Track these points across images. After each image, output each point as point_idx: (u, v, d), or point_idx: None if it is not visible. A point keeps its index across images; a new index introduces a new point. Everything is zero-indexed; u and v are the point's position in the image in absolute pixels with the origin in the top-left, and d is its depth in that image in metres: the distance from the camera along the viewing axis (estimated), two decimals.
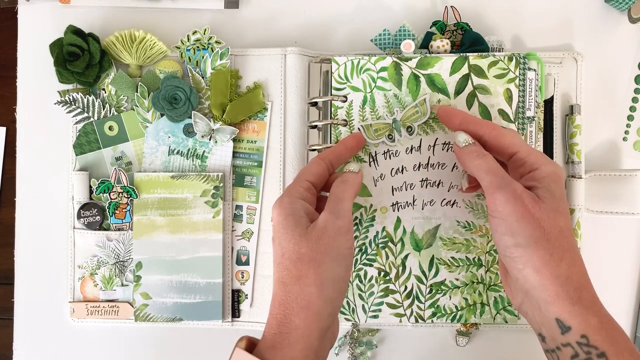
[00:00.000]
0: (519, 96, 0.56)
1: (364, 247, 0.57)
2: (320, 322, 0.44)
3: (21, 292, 0.61)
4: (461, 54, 0.56)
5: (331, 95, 0.58)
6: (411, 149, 0.57)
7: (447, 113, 0.51)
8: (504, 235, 0.43)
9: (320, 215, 0.46)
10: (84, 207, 0.59)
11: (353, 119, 0.57)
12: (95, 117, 0.59)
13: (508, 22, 0.61)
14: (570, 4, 0.61)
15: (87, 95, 0.59)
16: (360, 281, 0.57)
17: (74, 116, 0.60)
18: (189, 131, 0.59)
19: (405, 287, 0.57)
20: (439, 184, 0.57)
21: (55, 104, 0.60)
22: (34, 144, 0.61)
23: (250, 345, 0.45)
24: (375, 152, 0.57)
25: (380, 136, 0.57)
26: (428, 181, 0.57)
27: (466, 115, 0.51)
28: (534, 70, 0.56)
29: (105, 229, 0.59)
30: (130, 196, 0.59)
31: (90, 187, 0.59)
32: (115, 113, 0.60)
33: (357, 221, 0.57)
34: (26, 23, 0.61)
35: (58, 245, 0.60)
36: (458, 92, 0.56)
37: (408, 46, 0.57)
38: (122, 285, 0.60)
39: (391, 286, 0.57)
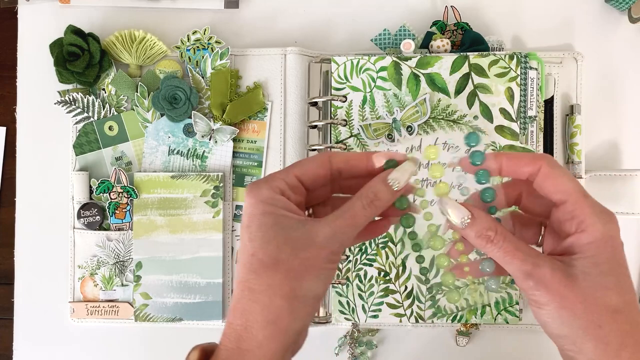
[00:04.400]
0: (520, 95, 0.56)
1: (364, 247, 0.57)
2: (287, 339, 0.37)
3: (21, 292, 0.61)
4: (461, 53, 0.56)
5: (331, 95, 0.58)
6: (411, 149, 0.57)
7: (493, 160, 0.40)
8: (547, 326, 0.37)
9: (319, 224, 0.38)
10: (84, 207, 0.59)
11: (353, 119, 0.57)
12: (95, 117, 0.59)
13: (508, 22, 0.61)
14: (570, 4, 0.61)
15: (87, 95, 0.59)
16: (360, 281, 0.57)
17: (74, 116, 0.60)
18: (189, 131, 0.59)
19: (406, 287, 0.57)
20: None
21: (55, 104, 0.60)
22: (34, 144, 0.61)
23: (204, 357, 0.38)
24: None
25: (380, 136, 0.57)
26: (428, 181, 0.57)
27: (500, 155, 0.40)
28: (536, 69, 0.56)
29: (105, 229, 0.59)
30: (130, 196, 0.59)
31: (90, 187, 0.59)
32: (115, 113, 0.60)
33: None
34: (26, 23, 0.62)
35: (58, 245, 0.60)
36: (458, 91, 0.56)
37: (408, 46, 0.57)
38: (122, 285, 0.59)
39: (391, 286, 0.57)
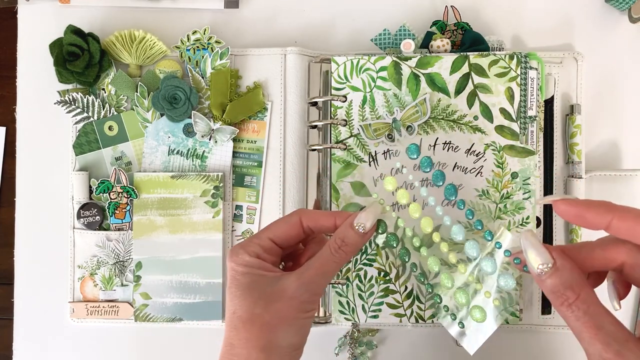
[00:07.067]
0: (520, 95, 0.56)
1: (364, 247, 0.57)
2: None
3: (21, 292, 0.61)
4: (461, 53, 0.56)
5: (331, 95, 0.58)
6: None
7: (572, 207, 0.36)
8: None
9: (289, 277, 0.41)
10: (83, 207, 0.59)
11: (353, 119, 0.57)
12: (95, 117, 0.59)
13: (508, 22, 0.61)
14: (570, 4, 0.61)
15: (87, 95, 0.59)
16: (360, 281, 0.57)
17: (73, 116, 0.60)
18: (188, 131, 0.59)
19: (406, 288, 0.57)
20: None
21: (55, 104, 0.60)
22: (34, 144, 0.61)
23: None
24: (375, 151, 0.57)
25: (380, 136, 0.57)
26: (428, 181, 0.57)
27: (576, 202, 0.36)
28: (536, 69, 0.56)
29: (105, 229, 0.59)
30: (130, 196, 0.59)
31: (90, 187, 0.59)
32: (115, 113, 0.59)
33: None
34: (26, 23, 0.62)
35: (58, 245, 0.60)
36: (458, 91, 0.56)
37: (408, 46, 0.57)
38: (122, 285, 0.59)
39: (391, 286, 0.57)
